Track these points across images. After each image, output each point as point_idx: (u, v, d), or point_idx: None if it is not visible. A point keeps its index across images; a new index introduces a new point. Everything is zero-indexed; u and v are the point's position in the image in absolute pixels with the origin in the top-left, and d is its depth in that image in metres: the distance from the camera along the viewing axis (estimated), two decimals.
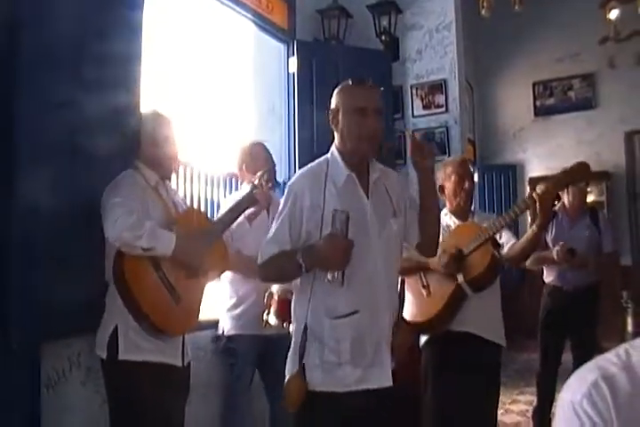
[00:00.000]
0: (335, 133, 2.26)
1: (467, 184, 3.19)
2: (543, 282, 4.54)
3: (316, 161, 2.28)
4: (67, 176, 2.34)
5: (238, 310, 3.31)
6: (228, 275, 3.37)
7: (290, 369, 2.17)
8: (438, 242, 2.48)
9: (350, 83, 2.22)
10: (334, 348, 2.09)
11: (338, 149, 2.24)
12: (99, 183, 2.41)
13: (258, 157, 3.40)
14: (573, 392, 0.93)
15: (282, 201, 2.21)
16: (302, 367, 2.09)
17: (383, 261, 2.17)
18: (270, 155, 3.51)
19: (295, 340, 2.18)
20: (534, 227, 2.95)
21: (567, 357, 4.35)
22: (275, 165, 3.47)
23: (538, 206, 2.79)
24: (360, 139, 2.17)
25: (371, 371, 2.11)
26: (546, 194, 2.77)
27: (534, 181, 4.77)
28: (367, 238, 2.13)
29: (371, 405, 2.09)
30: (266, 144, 3.58)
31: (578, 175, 2.82)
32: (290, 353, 2.20)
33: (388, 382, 2.13)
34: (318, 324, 2.11)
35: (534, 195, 2.80)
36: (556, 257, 4.03)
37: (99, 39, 2.51)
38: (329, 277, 2.06)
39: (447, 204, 3.28)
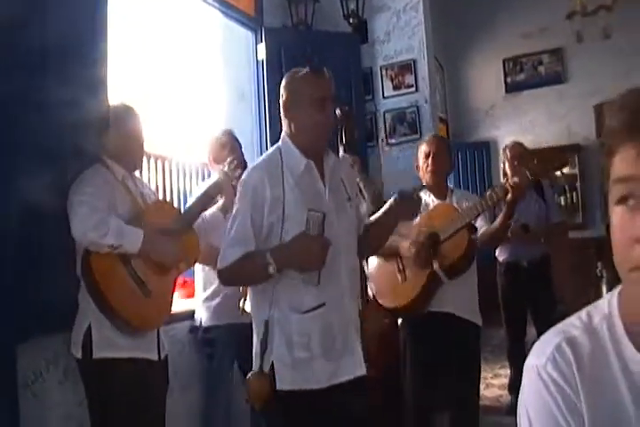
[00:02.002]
0: (287, 122, 2.20)
1: (430, 161, 3.22)
2: (496, 259, 4.63)
3: (267, 153, 2.24)
4: (33, 175, 2.28)
5: (215, 301, 3.30)
6: (199, 267, 3.40)
7: (255, 366, 2.11)
8: (379, 249, 2.60)
9: (308, 71, 2.15)
10: (304, 343, 2.05)
11: (291, 139, 2.19)
12: (67, 181, 2.40)
13: (225, 146, 3.39)
14: (538, 357, 0.95)
15: (238, 198, 2.14)
16: (262, 365, 2.05)
17: (344, 249, 2.16)
18: (238, 143, 3.50)
19: (257, 337, 2.12)
20: (500, 215, 3.04)
21: (533, 330, 4.50)
22: (242, 154, 3.46)
23: (509, 197, 2.87)
24: (321, 133, 2.17)
25: (343, 362, 2.09)
26: (519, 187, 2.84)
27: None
28: (328, 227, 2.04)
29: (345, 397, 2.06)
30: (234, 132, 3.57)
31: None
32: (254, 350, 2.15)
33: (361, 370, 2.12)
34: (285, 320, 2.06)
35: (507, 186, 2.86)
36: (510, 234, 4.08)
37: (62, 28, 2.46)
38: (303, 277, 2.02)
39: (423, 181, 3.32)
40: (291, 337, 2.05)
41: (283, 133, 2.24)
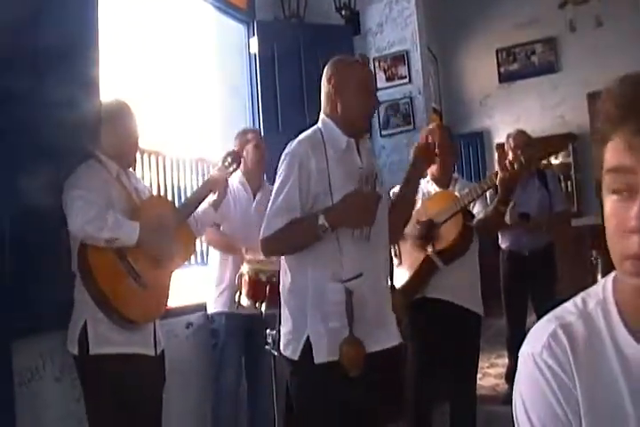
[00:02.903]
0: (333, 104, 2.30)
1: (438, 151, 3.19)
2: (499, 247, 4.64)
3: (308, 131, 2.30)
4: (28, 170, 2.29)
5: (218, 291, 3.42)
6: (212, 256, 3.51)
7: (289, 344, 2.14)
8: (402, 231, 2.66)
9: (360, 61, 2.37)
10: (338, 312, 2.07)
11: (333, 119, 2.29)
12: (61, 176, 2.41)
13: (250, 142, 3.55)
14: (533, 344, 0.96)
15: (284, 169, 2.18)
16: (351, 330, 2.04)
17: (381, 226, 2.23)
18: (261, 140, 3.64)
19: (334, 304, 2.09)
20: (495, 201, 2.97)
21: (533, 318, 4.51)
22: (264, 153, 3.60)
23: (500, 176, 2.79)
24: (366, 117, 2.33)
25: (375, 333, 2.13)
26: (508, 169, 2.76)
27: (502, 148, 4.87)
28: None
29: (377, 366, 2.09)
30: (257, 130, 3.79)
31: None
32: (289, 325, 2.16)
33: (395, 340, 2.21)
34: (320, 290, 2.10)
35: (499, 167, 2.80)
36: (510, 221, 4.07)
37: (54, 27, 2.47)
38: (355, 233, 2.09)
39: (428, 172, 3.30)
40: (325, 307, 2.09)
41: (322, 115, 2.34)
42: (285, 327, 2.20)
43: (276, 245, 2.16)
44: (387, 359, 2.15)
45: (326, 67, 2.35)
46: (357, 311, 2.07)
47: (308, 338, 2.09)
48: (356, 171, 2.19)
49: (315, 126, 2.32)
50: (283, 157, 2.22)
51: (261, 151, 3.58)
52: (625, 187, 0.83)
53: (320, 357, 2.07)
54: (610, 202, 0.86)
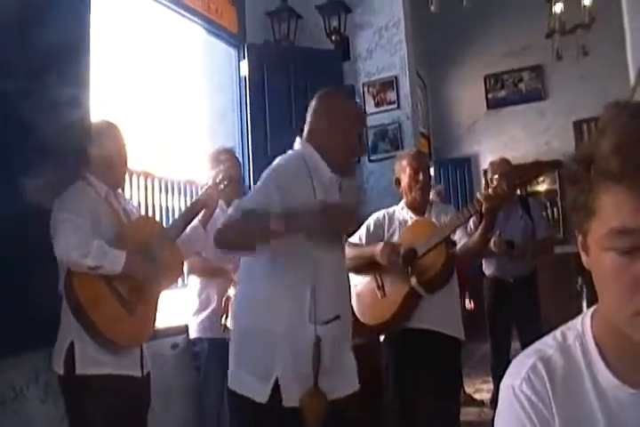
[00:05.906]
0: (323, 135, 2.23)
1: (421, 177, 3.16)
2: (483, 274, 4.66)
3: (290, 156, 2.22)
4: (16, 187, 2.27)
5: (201, 315, 3.35)
6: (192, 280, 3.44)
7: (250, 385, 2.01)
8: None
9: (361, 106, 2.38)
10: (309, 357, 1.97)
11: (319, 149, 2.21)
12: (50, 192, 2.38)
13: (224, 163, 3.37)
14: (513, 377, 0.97)
15: (264, 179, 2.08)
16: (317, 381, 1.95)
17: (343, 269, 2.22)
18: (237, 160, 3.59)
19: (295, 350, 2.00)
20: (479, 229, 2.94)
21: (517, 345, 4.51)
22: (241, 170, 3.59)
23: (484, 207, 2.76)
24: (353, 154, 2.34)
25: (337, 378, 2.06)
26: (494, 197, 2.73)
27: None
28: (340, 240, 2.19)
29: (337, 413, 2.01)
30: (233, 150, 3.67)
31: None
32: (252, 366, 2.04)
33: (354, 386, 2.14)
34: (297, 331, 1.99)
35: (481, 197, 2.77)
36: (496, 250, 4.10)
37: (46, 49, 2.45)
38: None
39: (403, 197, 3.26)
40: (300, 350, 1.98)
41: (305, 143, 2.25)
42: (244, 368, 2.07)
43: (228, 233, 1.99)
44: (345, 406, 2.07)
45: (324, 96, 2.31)
46: (325, 357, 1.98)
47: (276, 380, 1.96)
48: None
49: (296, 151, 2.24)
50: (274, 167, 2.14)
51: (237, 171, 3.49)
52: (629, 248, 0.80)
53: (290, 401, 1.95)
54: (610, 258, 0.83)
